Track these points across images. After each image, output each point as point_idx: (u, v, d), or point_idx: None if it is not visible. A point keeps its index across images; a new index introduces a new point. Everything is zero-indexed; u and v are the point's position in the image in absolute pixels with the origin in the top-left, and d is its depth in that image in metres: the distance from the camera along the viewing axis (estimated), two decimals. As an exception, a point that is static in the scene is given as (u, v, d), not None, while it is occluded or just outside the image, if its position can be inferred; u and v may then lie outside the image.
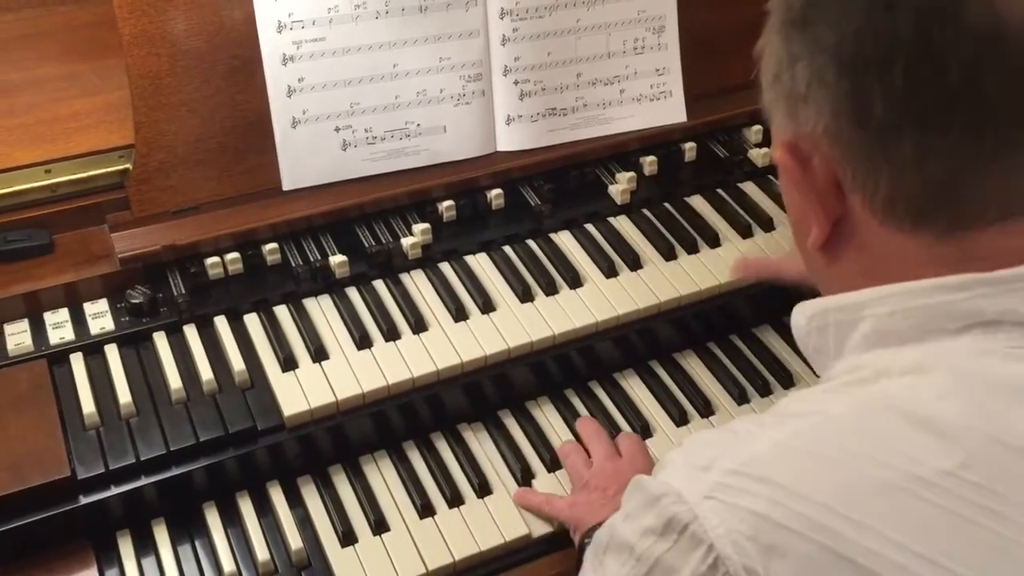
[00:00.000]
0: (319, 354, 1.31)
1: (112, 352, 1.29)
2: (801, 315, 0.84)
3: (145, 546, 1.19)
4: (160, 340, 1.31)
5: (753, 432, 0.75)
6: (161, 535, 1.20)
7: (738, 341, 1.50)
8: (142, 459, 1.19)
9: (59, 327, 1.30)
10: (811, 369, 1.46)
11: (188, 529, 1.22)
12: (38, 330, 1.30)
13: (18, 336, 1.28)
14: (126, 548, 1.18)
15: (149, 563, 1.18)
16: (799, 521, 0.68)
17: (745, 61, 1.66)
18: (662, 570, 0.71)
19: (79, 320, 1.32)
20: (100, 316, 1.32)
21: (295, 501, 1.25)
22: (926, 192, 0.73)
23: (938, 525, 0.67)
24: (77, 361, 1.28)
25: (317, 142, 1.44)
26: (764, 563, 0.67)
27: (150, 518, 1.21)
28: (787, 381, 1.44)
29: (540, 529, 1.24)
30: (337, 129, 1.45)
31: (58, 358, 1.28)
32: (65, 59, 1.50)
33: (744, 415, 1.39)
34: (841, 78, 0.73)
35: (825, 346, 0.81)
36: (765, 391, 1.42)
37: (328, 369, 1.30)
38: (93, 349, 1.30)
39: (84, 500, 1.17)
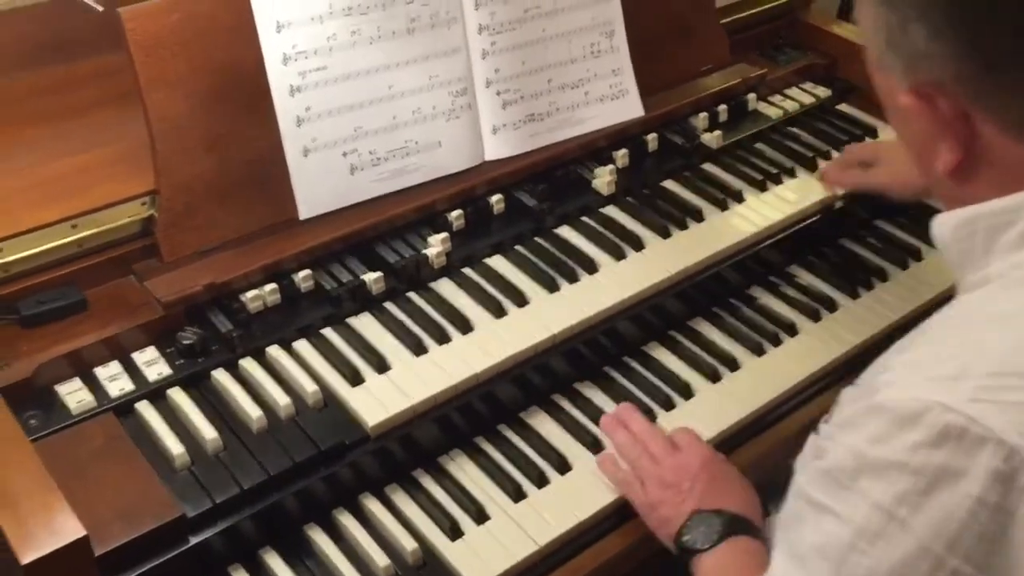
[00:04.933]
0: (381, 366, 1.34)
1: (178, 394, 1.27)
2: (944, 227, 0.94)
3: None
4: (222, 376, 1.30)
5: (977, 338, 0.82)
6: (275, 562, 1.19)
7: (738, 303, 1.63)
8: (245, 488, 1.18)
9: (115, 379, 1.27)
10: (808, 317, 1.60)
11: (298, 553, 1.21)
12: (94, 386, 1.27)
13: (77, 394, 1.25)
14: (244, 581, 1.17)
15: (271, 591, 1.17)
16: None
17: (676, 61, 1.84)
18: (947, 477, 0.76)
19: (132, 370, 1.29)
20: (154, 363, 1.30)
21: (392, 508, 1.27)
22: None
23: None
24: (146, 408, 1.25)
25: (328, 168, 1.48)
26: None
27: (256, 549, 1.21)
28: (791, 331, 1.57)
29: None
30: (345, 154, 1.49)
31: (123, 409, 1.25)
32: (46, 121, 1.48)
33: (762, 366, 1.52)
34: (958, 29, 0.82)
35: (972, 251, 0.91)
36: (776, 341, 1.55)
37: (394, 378, 1.33)
38: (156, 395, 1.28)
39: (194, 540, 1.15)
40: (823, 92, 2.00)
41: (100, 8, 1.48)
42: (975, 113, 0.87)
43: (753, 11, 2.00)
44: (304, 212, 1.47)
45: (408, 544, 1.22)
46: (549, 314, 1.45)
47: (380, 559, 1.20)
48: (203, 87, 1.36)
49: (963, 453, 0.76)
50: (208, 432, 1.22)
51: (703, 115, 1.83)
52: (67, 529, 0.99)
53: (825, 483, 0.85)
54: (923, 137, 0.92)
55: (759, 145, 1.85)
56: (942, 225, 0.95)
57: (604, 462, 1.33)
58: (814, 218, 1.72)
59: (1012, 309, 0.85)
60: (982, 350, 0.82)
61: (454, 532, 1.24)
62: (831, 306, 1.63)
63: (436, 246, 1.50)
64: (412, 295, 1.46)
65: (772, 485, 1.31)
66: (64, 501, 1.01)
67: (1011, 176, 0.88)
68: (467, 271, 1.51)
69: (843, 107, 1.99)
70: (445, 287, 1.48)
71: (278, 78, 1.42)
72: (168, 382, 1.29)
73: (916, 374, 0.82)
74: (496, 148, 1.63)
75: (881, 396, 0.83)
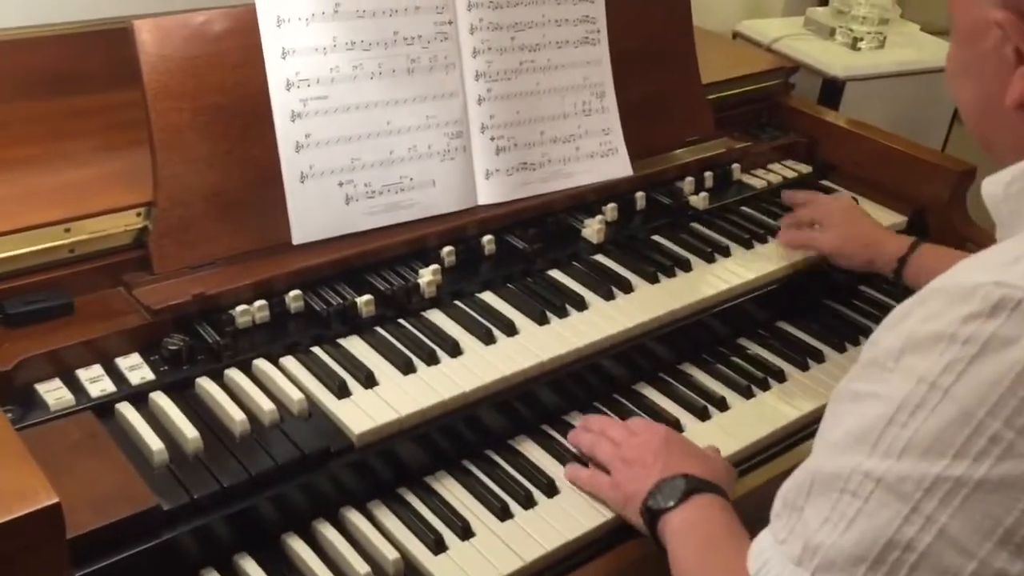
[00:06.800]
0: (369, 381, 1.32)
1: (161, 398, 1.24)
2: (996, 185, 0.91)
3: (236, 580, 1.13)
4: (206, 383, 1.28)
5: None
6: (250, 567, 1.14)
7: (726, 350, 1.63)
8: (225, 486, 1.14)
9: (96, 381, 1.25)
10: (796, 366, 1.60)
11: (275, 560, 1.17)
12: (73, 386, 1.24)
13: (56, 392, 1.22)
14: (218, 583, 1.12)
15: (246, 595, 1.12)
16: None
17: (664, 129, 1.90)
18: (997, 343, 0.75)
19: (115, 373, 1.27)
20: (137, 368, 1.28)
21: (374, 521, 1.23)
22: None
23: None
24: (126, 409, 1.22)
25: (323, 196, 1.49)
26: None
27: (232, 553, 1.16)
28: (780, 377, 1.58)
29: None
30: (341, 184, 1.51)
31: (103, 410, 1.22)
32: (51, 143, 1.50)
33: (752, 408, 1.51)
34: None
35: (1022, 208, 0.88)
36: (766, 386, 1.55)
37: (382, 393, 1.31)
38: (138, 398, 1.25)
39: (168, 535, 1.10)
40: (805, 169, 2.06)
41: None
42: None
43: (737, 91, 2.08)
44: (297, 237, 1.48)
45: (390, 554, 1.17)
46: (539, 344, 1.44)
47: (360, 567, 1.15)
48: (208, 103, 1.39)
49: (1016, 323, 0.74)
50: (189, 432, 1.19)
51: (689, 179, 1.87)
52: (39, 495, 0.95)
53: (868, 373, 0.83)
54: (998, 65, 0.88)
55: (745, 208, 1.89)
56: (994, 183, 0.92)
57: (569, 469, 1.33)
58: (795, 276, 1.74)
59: None
60: None
61: (438, 546, 1.20)
62: (819, 357, 1.63)
63: (427, 276, 1.50)
64: (402, 321, 1.45)
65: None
66: (37, 468, 0.97)
67: None
68: (458, 303, 1.51)
69: (825, 183, 2.05)
70: (435, 315, 1.48)
71: (281, 103, 1.45)
72: (151, 386, 1.26)
73: (968, 268, 0.80)
74: (489, 192, 1.65)
75: (929, 286, 0.81)
